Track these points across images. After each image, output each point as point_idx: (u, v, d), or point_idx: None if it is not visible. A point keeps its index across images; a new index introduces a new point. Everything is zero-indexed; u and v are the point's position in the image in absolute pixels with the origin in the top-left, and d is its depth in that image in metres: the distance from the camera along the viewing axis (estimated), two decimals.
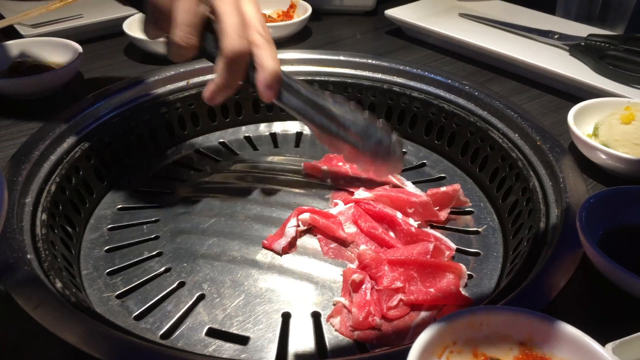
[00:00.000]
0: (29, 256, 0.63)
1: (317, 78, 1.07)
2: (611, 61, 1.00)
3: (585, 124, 0.82)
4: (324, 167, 0.92)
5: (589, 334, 0.46)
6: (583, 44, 1.06)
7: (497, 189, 0.89)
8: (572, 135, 0.79)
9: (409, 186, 0.89)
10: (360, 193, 0.84)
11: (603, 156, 0.75)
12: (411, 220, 0.80)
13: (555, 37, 1.11)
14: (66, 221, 0.78)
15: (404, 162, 0.70)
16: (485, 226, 0.84)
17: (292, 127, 1.10)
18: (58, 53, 1.01)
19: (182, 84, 1.02)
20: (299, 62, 1.09)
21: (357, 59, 1.08)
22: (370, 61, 1.07)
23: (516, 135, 0.89)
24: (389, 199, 0.83)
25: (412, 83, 1.04)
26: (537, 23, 1.17)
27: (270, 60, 0.70)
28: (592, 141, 0.76)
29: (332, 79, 1.07)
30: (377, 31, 1.24)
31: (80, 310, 0.57)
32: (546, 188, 0.78)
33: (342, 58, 1.08)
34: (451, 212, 0.85)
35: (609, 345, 0.50)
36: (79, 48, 0.98)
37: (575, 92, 0.97)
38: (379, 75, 1.07)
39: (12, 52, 0.99)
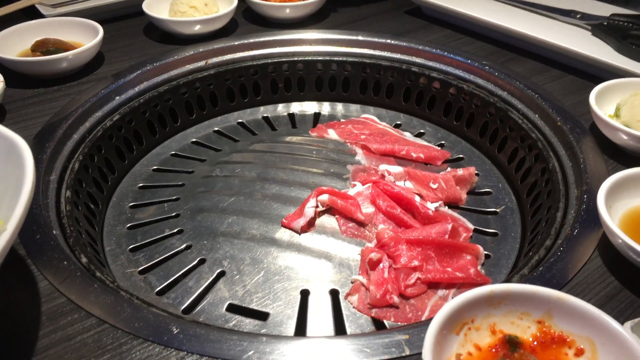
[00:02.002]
0: (54, 232, 0.65)
1: (336, 58, 1.07)
2: (634, 41, 0.98)
3: (607, 104, 0.81)
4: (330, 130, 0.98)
5: (608, 313, 0.46)
6: (606, 23, 1.05)
7: (516, 170, 0.88)
8: (594, 116, 0.78)
9: (408, 135, 0.97)
10: (386, 167, 0.85)
11: (624, 137, 0.74)
12: (429, 204, 0.80)
13: (578, 16, 1.09)
14: (89, 198, 0.80)
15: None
16: (504, 207, 0.84)
17: (310, 107, 1.10)
18: (78, 33, 1.02)
19: (201, 64, 1.03)
20: (317, 42, 1.09)
21: (376, 39, 1.07)
22: (389, 41, 1.07)
23: (536, 115, 0.88)
24: (413, 173, 0.84)
25: (431, 63, 1.04)
26: (559, 2, 1.15)
27: None
28: (614, 122, 0.75)
29: (350, 59, 1.07)
30: (396, 11, 1.23)
31: (106, 285, 0.59)
32: (566, 169, 0.78)
33: (360, 38, 1.08)
34: (469, 193, 0.86)
35: (628, 324, 0.50)
36: (100, 28, 0.99)
37: (597, 73, 0.96)
38: (398, 56, 1.06)
39: (33, 32, 1.00)
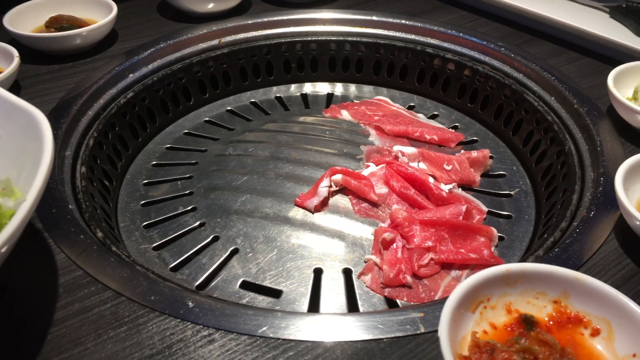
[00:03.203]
0: (70, 207, 0.65)
1: (349, 39, 1.06)
2: None
3: (625, 87, 0.80)
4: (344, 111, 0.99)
5: (625, 294, 0.46)
6: (624, 5, 1.03)
7: (531, 153, 0.88)
8: (611, 98, 0.77)
9: (421, 117, 0.98)
10: (400, 148, 0.85)
11: None
12: (442, 185, 0.80)
13: None
14: (104, 175, 0.80)
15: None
16: (518, 189, 0.84)
17: (322, 88, 1.09)
18: (93, 10, 1.02)
19: (215, 42, 1.02)
20: (331, 22, 1.08)
21: (390, 20, 1.06)
22: (403, 22, 1.06)
23: (552, 98, 0.87)
24: (427, 154, 0.83)
25: (446, 44, 1.03)
26: None
27: None
28: (632, 104, 0.74)
29: (364, 39, 1.06)
30: None
31: (122, 259, 0.59)
32: (582, 152, 0.77)
33: (374, 18, 1.07)
34: (483, 176, 0.85)
35: None
36: (114, 5, 0.98)
37: (615, 55, 0.94)
38: (412, 37, 1.05)
39: (48, 8, 0.99)
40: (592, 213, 0.64)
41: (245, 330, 0.50)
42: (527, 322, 0.48)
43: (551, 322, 0.48)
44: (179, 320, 0.51)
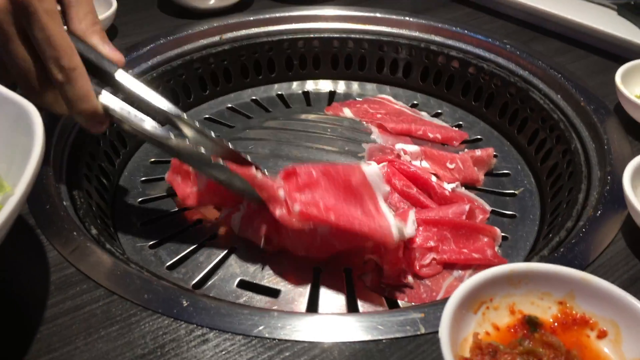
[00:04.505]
0: (65, 203, 0.64)
1: (352, 36, 1.05)
2: None
3: (633, 84, 0.78)
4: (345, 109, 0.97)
5: (633, 295, 0.44)
6: (632, 3, 1.01)
7: (536, 152, 0.86)
8: (619, 96, 0.75)
9: (424, 115, 0.96)
10: (402, 146, 0.83)
11: None
12: (445, 184, 0.78)
13: None
14: (101, 172, 0.79)
15: None
16: (522, 189, 0.82)
17: (324, 85, 1.08)
18: None
19: (216, 39, 1.01)
20: (334, 19, 1.06)
21: (394, 16, 1.05)
22: (407, 19, 1.04)
23: (559, 96, 0.86)
24: (430, 152, 0.82)
25: (450, 42, 1.01)
26: None
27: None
28: None
29: (367, 36, 1.05)
30: None
31: (115, 257, 0.58)
32: (589, 150, 0.75)
33: (378, 15, 1.06)
34: (487, 175, 0.84)
35: None
36: (113, 0, 0.97)
37: (623, 53, 0.93)
38: (416, 34, 1.04)
39: None
40: (599, 212, 0.62)
41: (240, 330, 0.49)
42: (531, 324, 0.46)
43: (556, 324, 0.46)
44: (172, 319, 0.50)
